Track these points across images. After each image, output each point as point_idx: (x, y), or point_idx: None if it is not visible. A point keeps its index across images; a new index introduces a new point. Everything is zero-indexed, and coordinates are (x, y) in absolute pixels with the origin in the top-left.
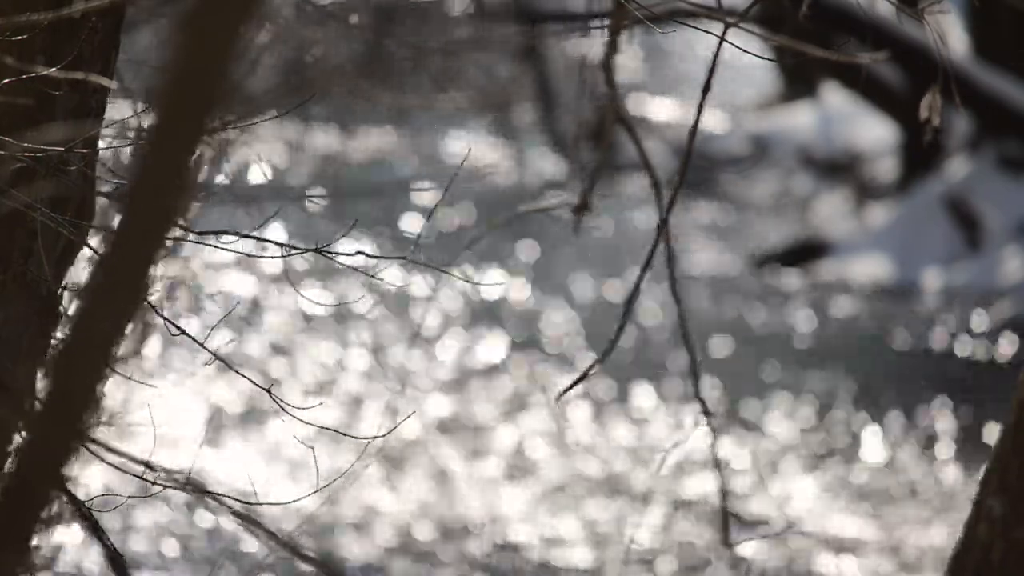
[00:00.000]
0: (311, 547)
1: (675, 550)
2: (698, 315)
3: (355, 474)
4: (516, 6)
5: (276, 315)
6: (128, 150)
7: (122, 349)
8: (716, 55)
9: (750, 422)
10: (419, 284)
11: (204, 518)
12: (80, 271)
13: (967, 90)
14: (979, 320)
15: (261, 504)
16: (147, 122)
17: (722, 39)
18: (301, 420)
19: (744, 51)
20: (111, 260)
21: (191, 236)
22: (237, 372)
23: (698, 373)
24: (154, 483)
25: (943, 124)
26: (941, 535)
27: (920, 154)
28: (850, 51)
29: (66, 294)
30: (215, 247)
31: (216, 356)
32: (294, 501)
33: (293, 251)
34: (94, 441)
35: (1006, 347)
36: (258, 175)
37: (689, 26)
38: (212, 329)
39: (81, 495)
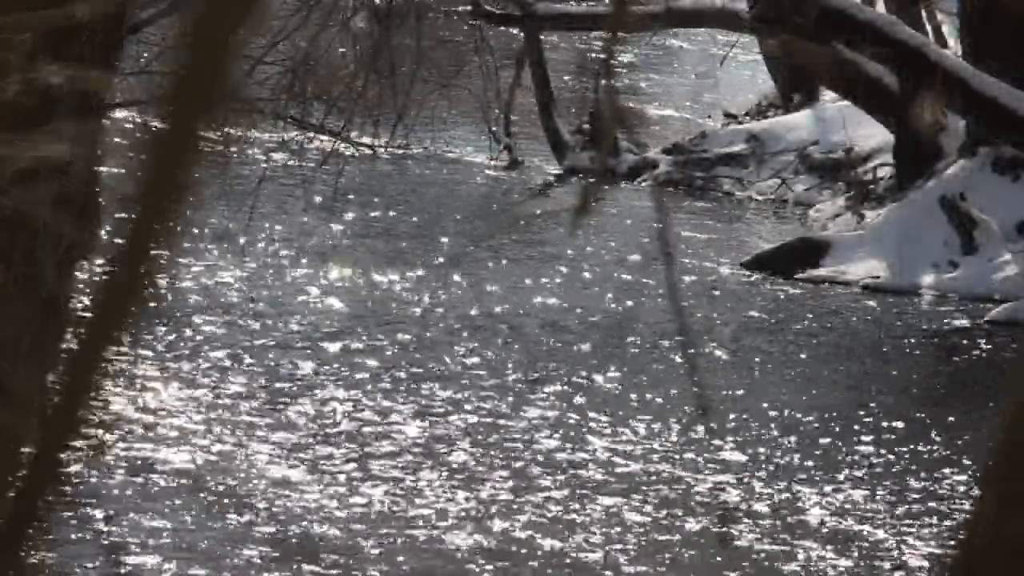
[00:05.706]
0: (310, 546)
1: (674, 549)
2: (696, 315)
3: (354, 473)
4: (516, 6)
5: (274, 315)
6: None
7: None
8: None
9: (749, 422)
10: (418, 289)
11: (204, 517)
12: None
13: (965, 91)
14: (977, 320)
15: (259, 505)
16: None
17: (721, 40)
18: (299, 420)
19: (743, 53)
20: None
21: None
22: (235, 372)
23: (697, 373)
24: (153, 483)
25: (942, 125)
26: (940, 534)
27: (919, 155)
28: (850, 51)
29: (68, 295)
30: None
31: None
32: (293, 501)
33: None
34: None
35: (1004, 347)
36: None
37: (688, 27)
38: (214, 329)
39: (80, 495)
